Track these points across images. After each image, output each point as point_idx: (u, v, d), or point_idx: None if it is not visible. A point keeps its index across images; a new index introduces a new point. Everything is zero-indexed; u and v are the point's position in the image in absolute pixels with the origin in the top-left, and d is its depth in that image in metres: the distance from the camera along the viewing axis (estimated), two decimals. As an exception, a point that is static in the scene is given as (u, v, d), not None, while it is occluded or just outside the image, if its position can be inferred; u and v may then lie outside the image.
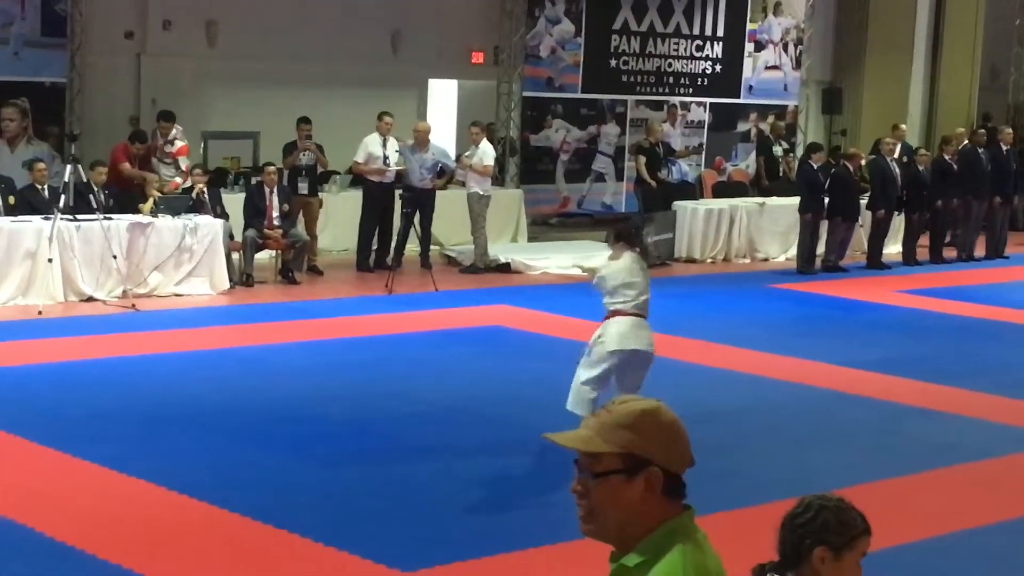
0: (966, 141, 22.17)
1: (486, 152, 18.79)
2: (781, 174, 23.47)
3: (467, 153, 19.18)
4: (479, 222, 18.70)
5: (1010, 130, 23.40)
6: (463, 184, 19.48)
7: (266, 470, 9.39)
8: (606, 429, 3.03)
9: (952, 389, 12.55)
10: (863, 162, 20.92)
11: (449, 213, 19.31)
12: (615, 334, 9.86)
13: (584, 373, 9.95)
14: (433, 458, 9.82)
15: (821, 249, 20.21)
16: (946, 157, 21.54)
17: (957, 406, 11.95)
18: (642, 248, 10.32)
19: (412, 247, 18.12)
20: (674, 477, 3.03)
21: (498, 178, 22.14)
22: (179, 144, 17.64)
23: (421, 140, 18.13)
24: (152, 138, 17.79)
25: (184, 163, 17.63)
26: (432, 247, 18.87)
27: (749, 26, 25.62)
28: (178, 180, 17.41)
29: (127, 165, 17.07)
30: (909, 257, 21.16)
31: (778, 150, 23.62)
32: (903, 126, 21.22)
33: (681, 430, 3.07)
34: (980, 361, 14.06)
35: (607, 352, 9.86)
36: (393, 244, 17.94)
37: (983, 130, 23.52)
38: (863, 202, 20.59)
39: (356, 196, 18.86)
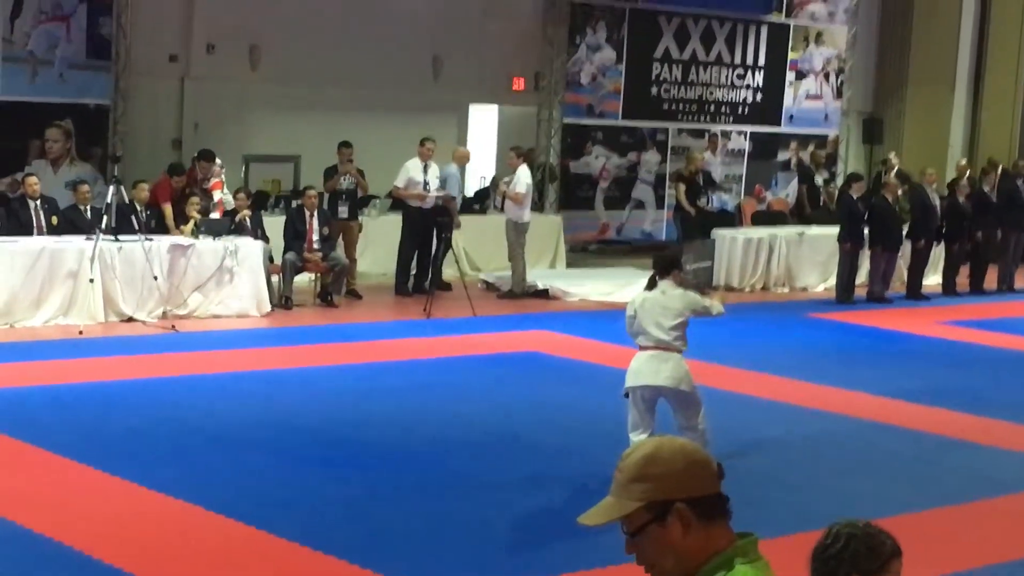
0: (966, 174, 22.01)
1: (519, 179, 18.75)
2: (822, 203, 23.42)
3: (505, 179, 19.19)
4: (516, 249, 18.68)
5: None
6: (502, 211, 19.49)
7: (303, 492, 9.40)
8: (621, 488, 3.06)
9: (992, 421, 12.47)
10: (900, 192, 20.81)
11: (488, 239, 19.33)
12: (628, 372, 9.88)
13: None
14: (469, 483, 9.81)
15: (860, 279, 20.14)
16: (985, 188, 21.45)
17: (997, 438, 11.87)
18: (674, 275, 10.19)
19: (451, 271, 18.13)
20: (707, 501, 3.03)
21: (537, 204, 22.17)
22: (214, 180, 17.68)
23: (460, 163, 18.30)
24: (191, 170, 17.83)
25: (218, 196, 17.68)
26: (470, 272, 18.91)
27: (790, 55, 25.62)
28: (215, 216, 17.45)
29: (169, 208, 17.07)
30: (949, 288, 21.06)
31: (819, 179, 23.55)
32: (931, 171, 21.11)
33: (689, 455, 3.06)
34: (1020, 393, 13.96)
35: (623, 394, 9.86)
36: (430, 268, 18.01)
37: (1023, 161, 23.39)
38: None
39: (396, 220, 18.91)
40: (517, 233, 18.66)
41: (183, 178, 17.48)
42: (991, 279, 21.61)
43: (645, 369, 9.80)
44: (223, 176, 17.86)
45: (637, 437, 9.55)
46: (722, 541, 3.04)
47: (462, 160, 19.37)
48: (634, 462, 3.06)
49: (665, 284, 9.98)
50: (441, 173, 18.74)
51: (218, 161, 17.73)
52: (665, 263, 10.21)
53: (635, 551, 3.07)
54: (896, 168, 23.64)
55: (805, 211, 23.29)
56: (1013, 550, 8.87)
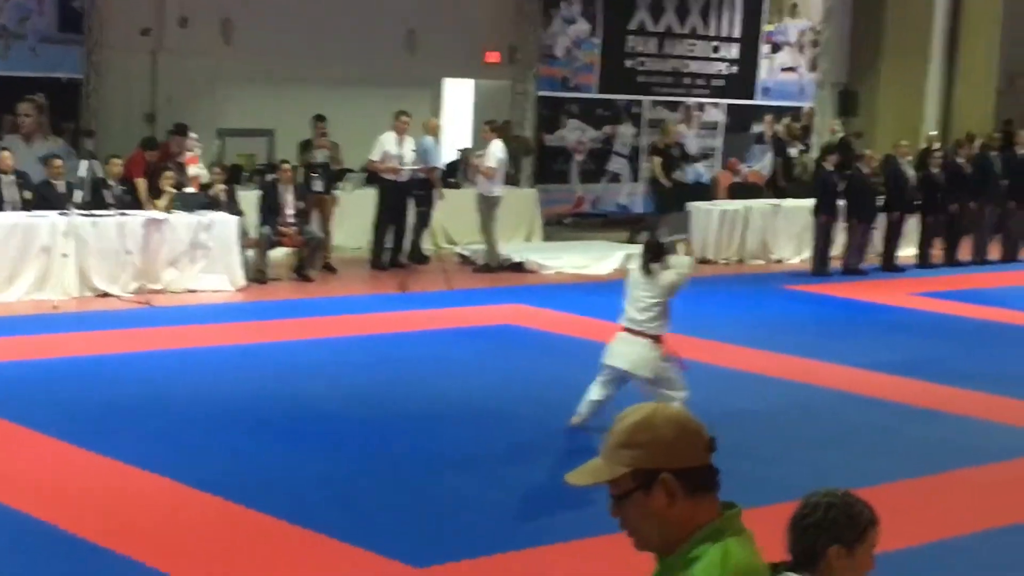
0: (935, 147, 22.04)
1: (491, 153, 18.72)
2: (796, 176, 23.44)
3: (477, 153, 19.16)
4: (487, 223, 18.64)
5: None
6: (475, 184, 19.49)
7: (279, 465, 9.40)
8: (611, 452, 3.04)
9: (966, 391, 12.52)
10: (874, 163, 20.83)
11: (463, 212, 19.30)
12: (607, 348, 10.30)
13: None
14: (446, 456, 9.82)
15: (836, 251, 20.19)
16: (959, 160, 21.51)
17: (970, 408, 11.93)
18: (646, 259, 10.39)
19: (426, 245, 18.12)
20: (695, 472, 3.02)
21: (513, 177, 22.14)
22: (188, 154, 17.61)
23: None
24: (165, 145, 17.74)
25: (193, 171, 17.61)
26: (446, 246, 18.90)
27: (765, 28, 25.60)
28: (189, 190, 17.37)
29: (143, 183, 17.01)
30: (924, 260, 21.12)
31: (793, 152, 23.55)
32: (905, 143, 21.15)
33: (682, 425, 3.04)
34: (994, 364, 14.02)
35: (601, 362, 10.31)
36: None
37: (998, 134, 23.47)
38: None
39: (371, 194, 18.87)
40: (488, 207, 18.63)
41: (156, 152, 17.41)
42: (965, 251, 21.68)
43: (615, 350, 10.21)
44: (198, 151, 17.79)
45: (586, 399, 10.19)
46: (708, 514, 3.04)
47: (434, 131, 19.35)
48: (625, 427, 3.04)
49: (655, 268, 10.22)
50: (420, 146, 18.71)
51: (192, 135, 17.65)
52: (655, 249, 10.45)
53: (619, 515, 3.06)
54: (840, 138, 23.62)
55: (780, 183, 23.30)
56: (987, 519, 8.92)
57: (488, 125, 19.16)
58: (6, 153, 16.15)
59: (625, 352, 10.12)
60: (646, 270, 10.20)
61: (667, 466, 2.99)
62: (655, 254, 10.30)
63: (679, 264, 10.41)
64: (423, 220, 18.97)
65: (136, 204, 16.45)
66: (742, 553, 3.01)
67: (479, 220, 18.72)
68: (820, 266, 19.71)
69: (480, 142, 20.07)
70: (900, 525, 8.15)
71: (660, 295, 10.12)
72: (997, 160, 21.88)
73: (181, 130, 17.57)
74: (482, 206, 18.63)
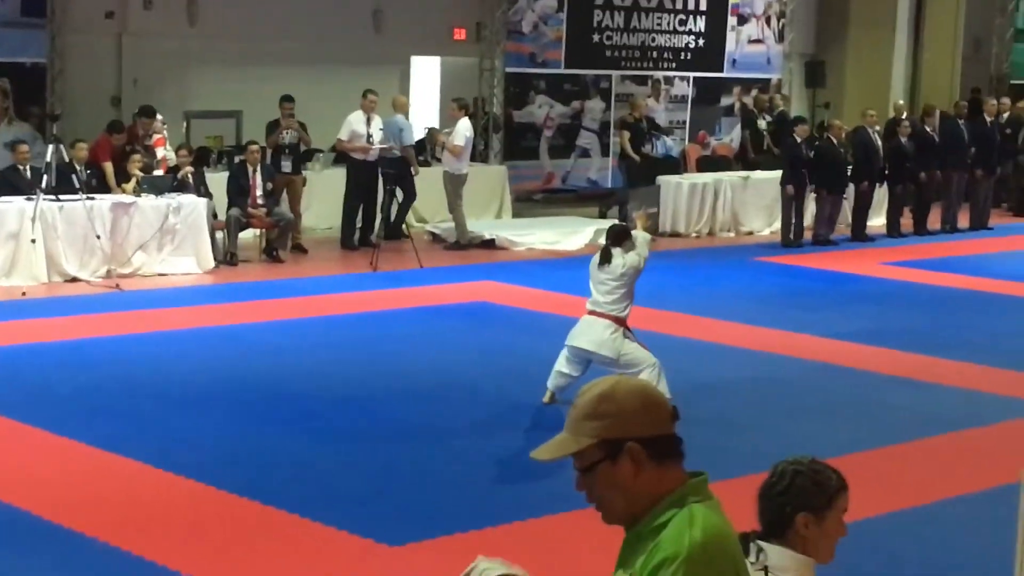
0: (902, 116, 22.08)
1: (458, 131, 18.68)
2: (766, 148, 23.45)
3: (444, 131, 19.11)
4: (454, 201, 18.60)
5: (994, 102, 23.39)
6: (439, 162, 19.46)
7: (252, 447, 9.39)
8: (575, 425, 3.06)
9: (936, 359, 12.59)
10: (843, 134, 20.85)
11: (434, 190, 19.25)
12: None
13: None
14: (420, 433, 9.82)
15: (807, 222, 20.24)
16: (927, 129, 21.57)
17: (941, 376, 11.99)
18: (607, 243, 10.49)
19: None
20: (660, 441, 3.03)
21: (481, 154, 22.12)
22: (156, 136, 17.54)
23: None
24: (132, 127, 17.66)
25: (161, 153, 17.55)
26: (417, 224, 18.88)
27: (732, 0, 25.58)
28: (158, 172, 17.30)
29: (110, 167, 16.93)
30: (893, 229, 21.19)
31: (762, 124, 23.56)
32: (872, 112, 21.16)
33: (646, 394, 3.07)
34: (964, 331, 14.10)
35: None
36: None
37: (965, 102, 23.54)
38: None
39: (340, 174, 18.81)
40: (455, 185, 18.60)
41: (123, 135, 17.33)
42: (934, 219, 21.75)
43: (576, 330, 10.40)
44: (165, 132, 17.72)
45: (553, 377, 10.38)
46: (674, 482, 3.05)
47: (403, 108, 19.30)
48: (588, 399, 3.06)
49: (617, 252, 10.32)
50: (392, 125, 18.66)
51: (159, 117, 17.57)
52: (617, 232, 10.58)
53: (585, 488, 3.07)
54: (780, 110, 23.64)
55: (749, 156, 23.31)
56: (958, 486, 8.97)
57: (455, 103, 19.10)
58: (-29, 139, 16.06)
59: (587, 333, 10.27)
60: (607, 254, 10.32)
61: (632, 435, 3.01)
62: (616, 238, 10.41)
63: (638, 243, 10.43)
64: (409, 197, 18.93)
65: (103, 188, 16.37)
66: (709, 517, 3.02)
67: (446, 199, 18.68)
68: (790, 237, 19.76)
69: (447, 120, 20.02)
70: (871, 493, 8.20)
71: (621, 278, 10.19)
72: (965, 128, 21.93)
73: (148, 112, 17.47)
74: (449, 184, 18.60)
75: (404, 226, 18.49)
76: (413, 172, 18.80)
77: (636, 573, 3.01)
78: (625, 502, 3.05)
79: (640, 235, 10.58)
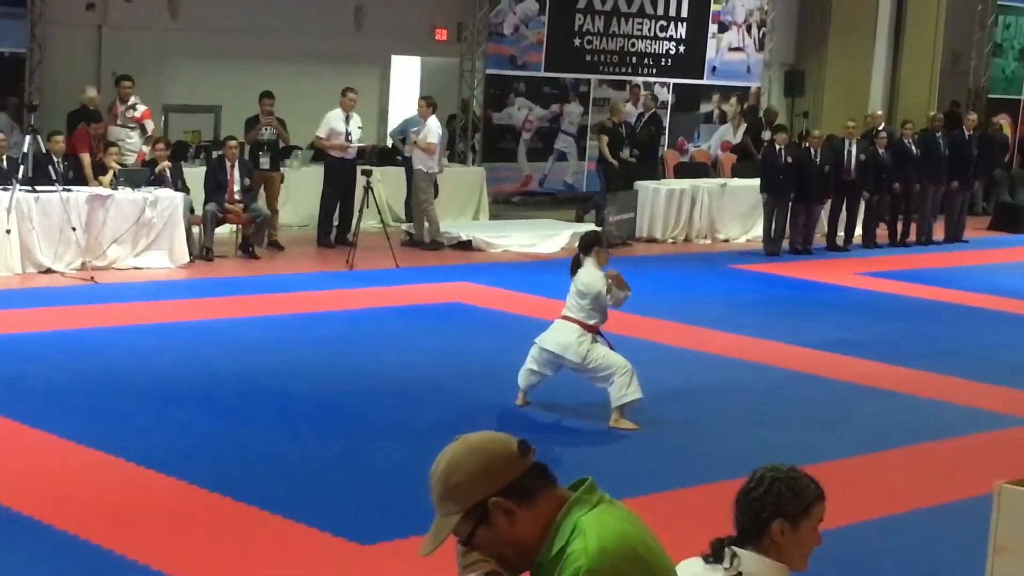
0: (879, 127, 22.14)
1: (430, 129, 18.64)
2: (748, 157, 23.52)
3: (414, 129, 19.07)
4: (424, 196, 18.55)
5: (973, 115, 23.50)
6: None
7: (225, 443, 9.37)
8: (439, 507, 3.09)
9: (909, 370, 12.63)
10: (820, 143, 20.83)
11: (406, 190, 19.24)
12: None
13: None
14: (392, 433, 9.81)
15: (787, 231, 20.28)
16: (905, 140, 21.64)
17: (914, 387, 12.03)
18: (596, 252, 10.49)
19: (373, 222, 18.06)
20: (519, 483, 3.05)
21: (460, 155, 22.12)
22: (142, 108, 17.51)
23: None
24: (111, 110, 17.64)
25: (150, 127, 17.52)
26: (393, 223, 18.88)
27: (713, 7, 25.61)
28: (145, 149, 17.27)
29: (87, 158, 16.91)
30: (869, 240, 21.24)
31: (767, 135, 23.33)
32: (852, 123, 21.22)
33: (483, 451, 3.08)
34: (937, 343, 14.16)
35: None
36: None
37: (942, 115, 23.62)
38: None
39: (317, 172, 18.80)
40: (427, 183, 18.58)
41: (101, 125, 17.30)
42: (910, 231, 21.81)
43: (546, 333, 10.42)
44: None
45: (522, 377, 10.44)
46: (553, 508, 3.07)
47: (424, 114, 19.51)
48: (437, 481, 3.09)
49: (587, 261, 10.34)
50: (417, 125, 18.75)
51: (136, 96, 17.56)
52: (587, 241, 10.61)
53: (481, 557, 3.09)
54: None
55: (755, 157, 23.08)
56: (929, 497, 9.00)
57: (423, 100, 19.08)
58: (-52, 129, 15.99)
59: (555, 336, 10.29)
60: (576, 262, 10.39)
61: (490, 493, 3.03)
62: (586, 247, 10.43)
63: (592, 279, 10.32)
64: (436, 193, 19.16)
65: (80, 180, 16.31)
66: (603, 524, 3.03)
67: (417, 196, 18.60)
68: (770, 245, 19.79)
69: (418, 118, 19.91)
70: (846, 502, 8.22)
71: (585, 293, 10.20)
72: (943, 141, 21.99)
73: (127, 77, 17.45)
74: (421, 182, 18.57)
75: (379, 225, 18.42)
76: (437, 171, 18.92)
77: None
78: (516, 552, 3.07)
79: (594, 275, 10.41)
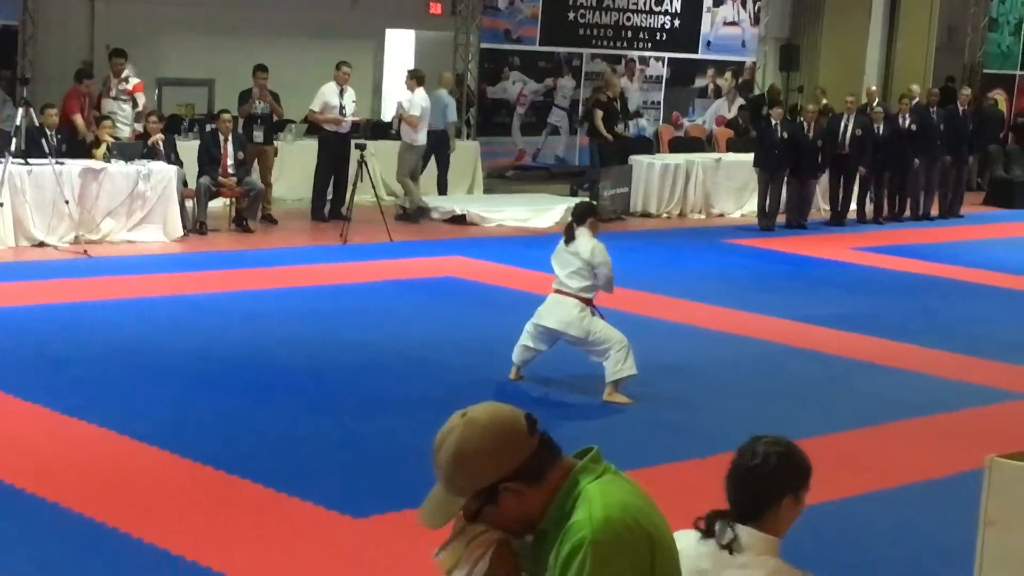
0: (874, 102, 22.08)
1: (413, 102, 18.65)
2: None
3: (400, 102, 19.09)
4: (404, 170, 18.62)
5: (968, 91, 23.47)
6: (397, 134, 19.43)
7: (219, 416, 9.36)
8: (445, 484, 3.09)
9: (904, 345, 12.63)
10: (816, 118, 20.83)
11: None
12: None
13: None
14: (386, 406, 9.81)
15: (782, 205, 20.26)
16: (900, 116, 21.60)
17: (909, 362, 12.03)
18: (590, 223, 10.42)
19: (367, 196, 18.04)
20: (528, 464, 3.03)
21: (457, 129, 22.08)
22: (134, 81, 17.47)
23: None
24: (105, 83, 17.61)
25: (141, 100, 17.48)
26: (388, 198, 18.87)
27: (708, -19, 25.58)
28: (138, 127, 17.23)
29: (80, 118, 16.89)
30: (864, 215, 21.22)
31: (766, 110, 23.32)
32: (851, 98, 21.18)
33: (495, 431, 3.05)
34: (932, 318, 14.16)
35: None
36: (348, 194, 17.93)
37: (937, 90, 23.60)
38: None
39: (311, 145, 18.78)
40: (411, 155, 18.62)
41: (91, 83, 17.27)
42: (907, 206, 21.79)
43: (544, 309, 10.33)
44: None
45: (517, 352, 10.39)
46: (560, 478, 3.06)
47: (448, 84, 20.01)
48: (445, 461, 3.06)
49: (581, 231, 10.25)
50: (439, 101, 19.20)
51: (131, 66, 17.52)
52: (581, 211, 10.58)
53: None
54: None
55: (751, 134, 23.05)
56: (920, 472, 9.00)
57: (410, 74, 19.10)
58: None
59: (555, 312, 10.22)
60: (570, 231, 10.29)
61: (500, 477, 3.01)
62: (580, 217, 10.38)
63: (596, 247, 10.29)
64: (443, 169, 19.87)
65: (73, 153, 16.26)
66: (608, 493, 3.02)
67: (399, 166, 18.67)
68: (764, 220, 19.78)
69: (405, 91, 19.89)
70: (836, 475, 8.23)
71: (588, 266, 10.15)
72: (937, 116, 21.97)
73: (119, 52, 17.42)
74: (405, 154, 18.63)
75: (377, 201, 18.42)
76: (451, 147, 19.39)
77: (550, 568, 3.01)
78: (522, 525, 3.08)
79: (593, 245, 10.37)
